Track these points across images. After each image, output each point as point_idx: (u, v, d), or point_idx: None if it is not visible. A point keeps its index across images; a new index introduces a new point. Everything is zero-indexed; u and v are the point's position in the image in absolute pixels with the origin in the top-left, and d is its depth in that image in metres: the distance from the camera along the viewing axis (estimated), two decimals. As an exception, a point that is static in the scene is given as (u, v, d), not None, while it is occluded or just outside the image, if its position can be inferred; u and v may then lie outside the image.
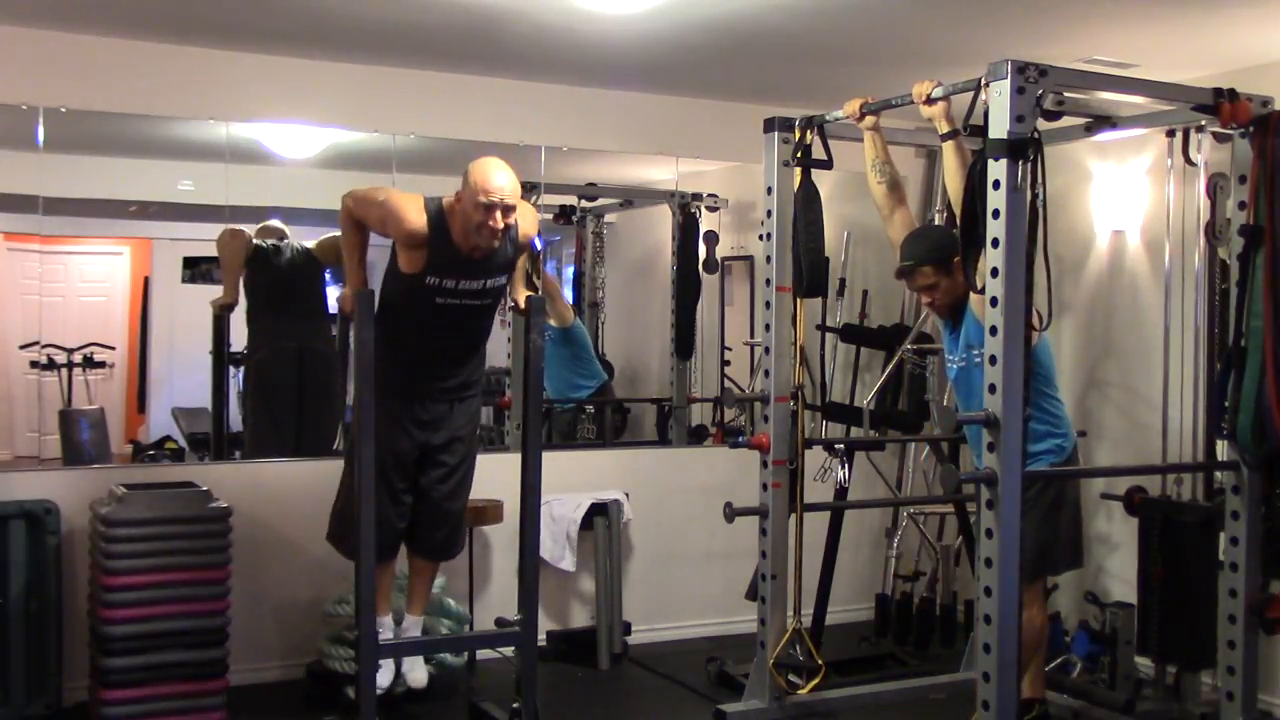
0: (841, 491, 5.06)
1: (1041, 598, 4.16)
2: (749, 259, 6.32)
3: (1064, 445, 4.03)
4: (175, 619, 4.06)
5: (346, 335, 4.01)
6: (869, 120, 4.11)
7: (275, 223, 5.38)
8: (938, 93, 3.79)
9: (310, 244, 5.39)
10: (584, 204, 6.32)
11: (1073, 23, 4.23)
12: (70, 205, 5.20)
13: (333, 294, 5.32)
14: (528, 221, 4.00)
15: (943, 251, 4.01)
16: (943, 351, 4.54)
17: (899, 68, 4.80)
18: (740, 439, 4.55)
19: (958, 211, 3.59)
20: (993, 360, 3.39)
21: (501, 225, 3.71)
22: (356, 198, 3.92)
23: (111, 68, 4.66)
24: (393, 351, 3.87)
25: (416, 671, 4.27)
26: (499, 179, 3.71)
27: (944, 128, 3.81)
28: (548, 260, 6.41)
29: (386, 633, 4.11)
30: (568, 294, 6.50)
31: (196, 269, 5.64)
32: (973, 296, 3.84)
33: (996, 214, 3.38)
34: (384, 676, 4.09)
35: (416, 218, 3.77)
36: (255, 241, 5.27)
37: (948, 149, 3.81)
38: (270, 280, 5.28)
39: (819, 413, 5.75)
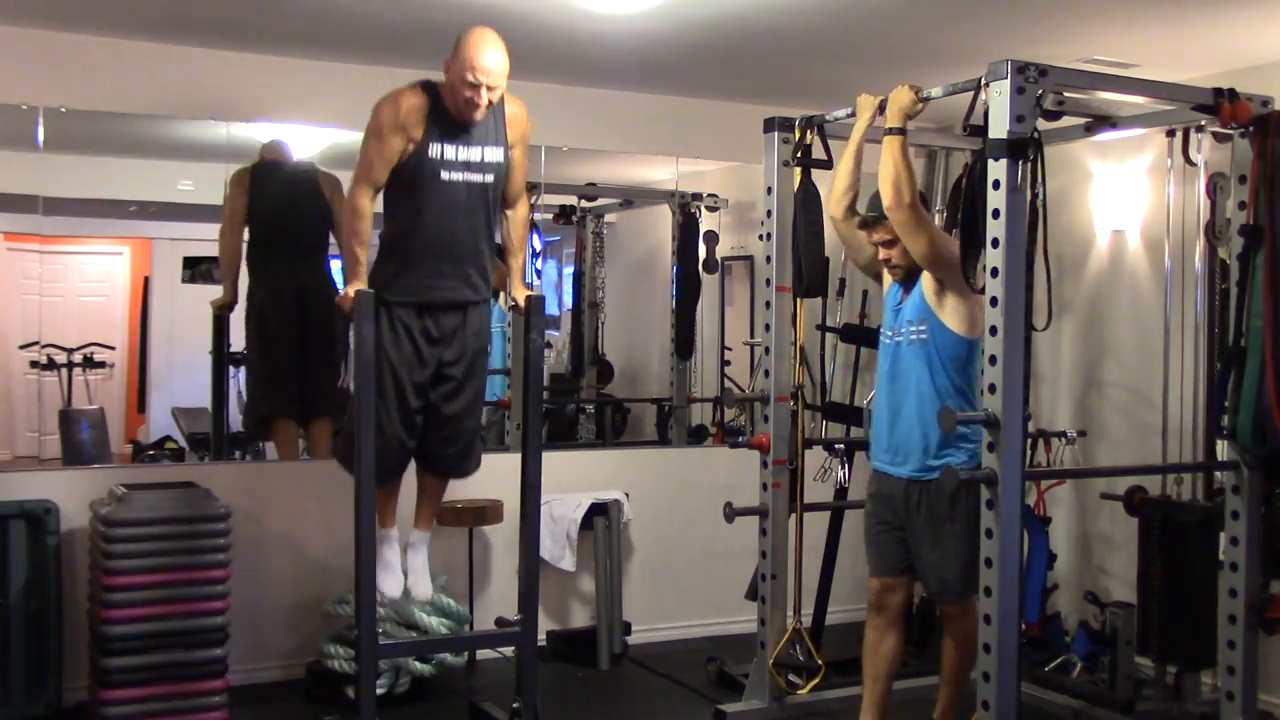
0: (841, 491, 5.06)
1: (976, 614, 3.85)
2: (749, 259, 6.32)
3: (977, 454, 3.69)
4: (175, 619, 4.06)
5: (347, 335, 3.96)
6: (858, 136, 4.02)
7: (278, 142, 5.18)
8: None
9: (321, 169, 5.16)
10: (584, 204, 6.32)
11: (1073, 23, 4.23)
12: (70, 205, 5.19)
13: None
14: (520, 115, 3.90)
15: None
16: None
17: (899, 68, 4.80)
18: (740, 439, 4.55)
19: (884, 195, 3.69)
20: (992, 360, 3.40)
21: (485, 102, 3.68)
22: (354, 174, 3.80)
23: (111, 68, 4.66)
24: (401, 252, 3.79)
25: (421, 585, 4.10)
26: (487, 59, 3.63)
27: (894, 122, 3.78)
28: (546, 258, 6.39)
29: (392, 544, 3.98)
30: (567, 294, 6.51)
31: (196, 269, 5.62)
32: (924, 275, 3.79)
33: (996, 214, 3.38)
34: (394, 587, 3.96)
35: (414, 94, 3.74)
36: (255, 165, 5.08)
37: (894, 143, 3.75)
38: (270, 207, 5.09)
39: (819, 413, 5.75)
